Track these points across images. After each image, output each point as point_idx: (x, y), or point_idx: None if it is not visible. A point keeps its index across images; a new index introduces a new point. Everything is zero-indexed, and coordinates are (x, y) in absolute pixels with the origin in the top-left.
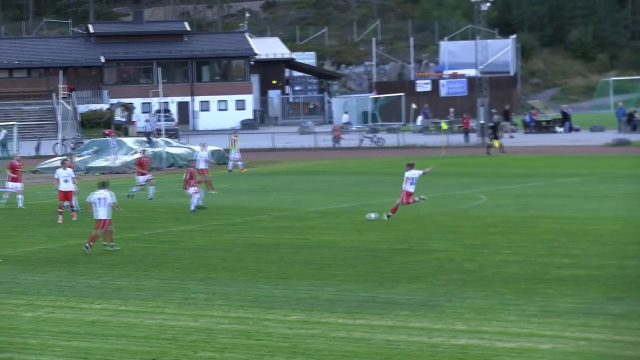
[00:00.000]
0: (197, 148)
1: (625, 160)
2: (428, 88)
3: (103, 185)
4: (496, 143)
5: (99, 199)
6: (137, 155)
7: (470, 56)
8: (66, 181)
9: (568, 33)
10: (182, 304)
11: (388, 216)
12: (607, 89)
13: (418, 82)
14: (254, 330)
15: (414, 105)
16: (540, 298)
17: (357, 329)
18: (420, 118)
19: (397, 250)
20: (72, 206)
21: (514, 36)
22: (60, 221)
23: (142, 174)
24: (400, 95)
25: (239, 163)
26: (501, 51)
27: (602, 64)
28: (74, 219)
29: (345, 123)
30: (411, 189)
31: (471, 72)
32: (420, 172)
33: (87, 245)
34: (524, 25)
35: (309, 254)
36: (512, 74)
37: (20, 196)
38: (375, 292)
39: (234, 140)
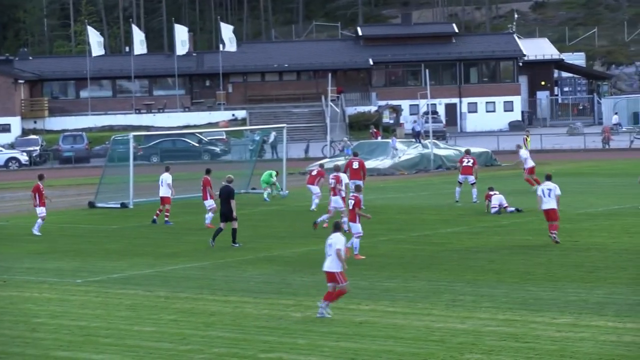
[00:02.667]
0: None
1: None
2: None
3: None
4: None
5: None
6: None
7: None
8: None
9: None
10: (449, 305)
11: None
12: None
13: None
14: (522, 332)
15: None
16: None
17: (628, 333)
18: None
19: None
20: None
21: None
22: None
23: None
24: None
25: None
26: None
27: None
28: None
29: (615, 124)
30: None
31: None
32: None
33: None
34: None
35: (578, 257)
36: None
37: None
38: (629, 295)
39: (526, 139)
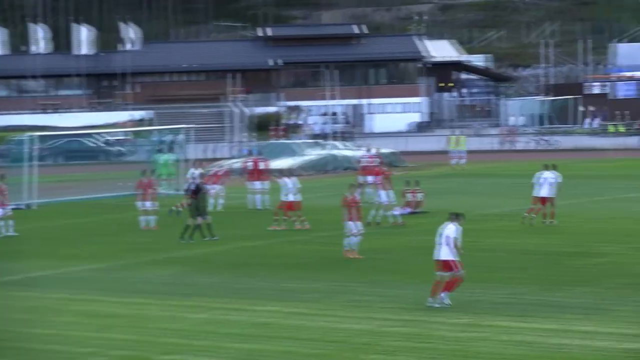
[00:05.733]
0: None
1: None
2: (600, 90)
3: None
4: None
5: None
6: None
7: None
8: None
9: None
10: (351, 306)
11: None
12: None
13: (590, 84)
14: (423, 333)
15: (591, 108)
16: None
17: (531, 333)
18: (587, 120)
19: (567, 253)
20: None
21: None
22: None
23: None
24: (571, 98)
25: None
26: None
27: None
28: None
29: (517, 125)
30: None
31: None
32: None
33: None
34: None
35: (482, 257)
36: None
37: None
38: (545, 295)
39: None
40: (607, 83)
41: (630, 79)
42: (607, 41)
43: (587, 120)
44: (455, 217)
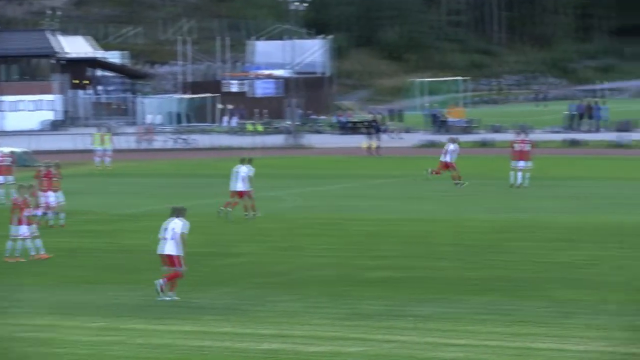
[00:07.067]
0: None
1: (435, 162)
2: (239, 88)
3: None
4: (368, 144)
5: None
6: None
7: (283, 56)
8: None
9: (381, 34)
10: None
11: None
12: (416, 90)
13: (228, 82)
14: (59, 338)
15: (229, 106)
16: (351, 301)
17: (168, 335)
18: (225, 119)
19: (206, 254)
20: None
21: (330, 36)
22: None
23: None
24: (209, 96)
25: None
26: (313, 51)
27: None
28: None
29: (155, 124)
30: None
31: (282, 73)
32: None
33: None
34: (341, 25)
35: (120, 258)
36: (325, 74)
37: None
38: (186, 296)
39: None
40: (245, 81)
41: (269, 77)
42: (245, 39)
43: (225, 119)
44: (178, 211)
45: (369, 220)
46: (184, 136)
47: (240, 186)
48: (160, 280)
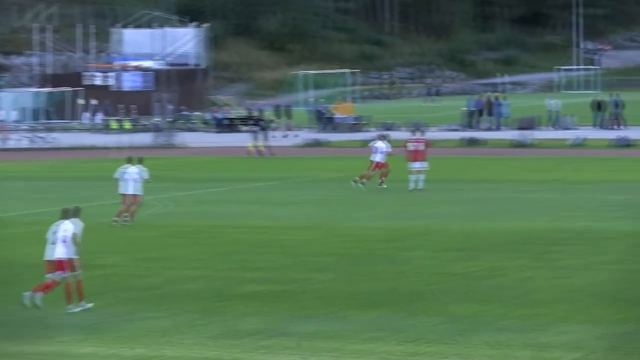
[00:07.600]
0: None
1: (322, 162)
2: (103, 81)
3: None
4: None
5: None
6: None
7: (152, 46)
8: None
9: (262, 22)
10: None
11: None
12: (300, 84)
13: (91, 74)
14: None
15: (93, 101)
16: (227, 317)
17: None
18: (87, 115)
19: None
20: None
21: (205, 25)
22: None
23: None
24: (70, 90)
25: None
26: (186, 41)
27: (295, 56)
28: None
29: (9, 121)
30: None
31: (152, 64)
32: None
33: None
34: (217, 13)
35: None
36: (199, 66)
37: None
38: (37, 314)
39: None
40: (110, 73)
41: (137, 69)
42: (111, 26)
43: (87, 115)
44: (72, 212)
45: (246, 228)
46: (41, 134)
47: (131, 189)
48: (29, 293)
